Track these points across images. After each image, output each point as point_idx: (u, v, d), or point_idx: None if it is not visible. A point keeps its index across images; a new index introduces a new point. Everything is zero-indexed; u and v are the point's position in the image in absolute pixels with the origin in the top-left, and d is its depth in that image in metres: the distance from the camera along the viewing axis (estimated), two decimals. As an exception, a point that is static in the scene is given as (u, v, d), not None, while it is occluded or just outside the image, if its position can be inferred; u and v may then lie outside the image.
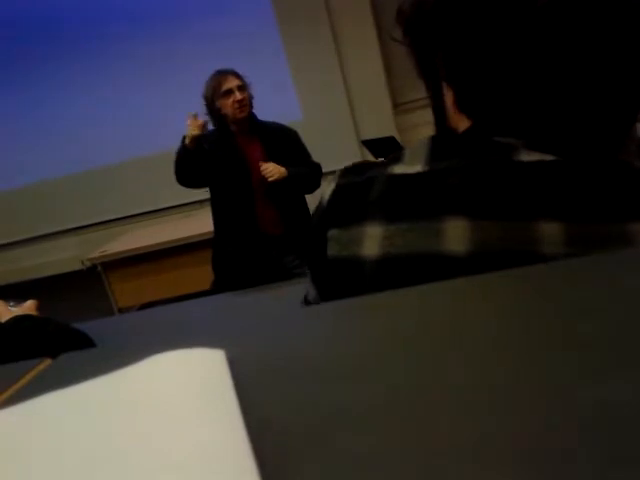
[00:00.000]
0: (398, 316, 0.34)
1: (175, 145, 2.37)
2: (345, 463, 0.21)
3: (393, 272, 0.48)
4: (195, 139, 2.29)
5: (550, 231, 0.43)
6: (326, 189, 0.57)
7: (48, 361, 0.41)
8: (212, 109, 2.37)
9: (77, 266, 3.70)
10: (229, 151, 2.37)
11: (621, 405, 0.21)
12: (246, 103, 2.35)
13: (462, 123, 0.51)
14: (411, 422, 0.22)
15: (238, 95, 2.31)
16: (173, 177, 2.41)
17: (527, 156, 0.45)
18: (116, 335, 1.03)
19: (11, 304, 0.96)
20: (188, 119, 2.30)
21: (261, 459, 0.22)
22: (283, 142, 2.40)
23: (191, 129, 2.29)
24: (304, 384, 0.28)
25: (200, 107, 2.37)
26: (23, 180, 4.18)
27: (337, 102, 3.82)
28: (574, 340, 0.26)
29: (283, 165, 2.32)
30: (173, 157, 2.39)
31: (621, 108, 0.47)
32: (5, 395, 0.35)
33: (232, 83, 2.33)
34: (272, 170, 2.29)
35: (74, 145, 4.11)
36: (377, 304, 0.38)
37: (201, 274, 2.91)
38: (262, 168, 2.31)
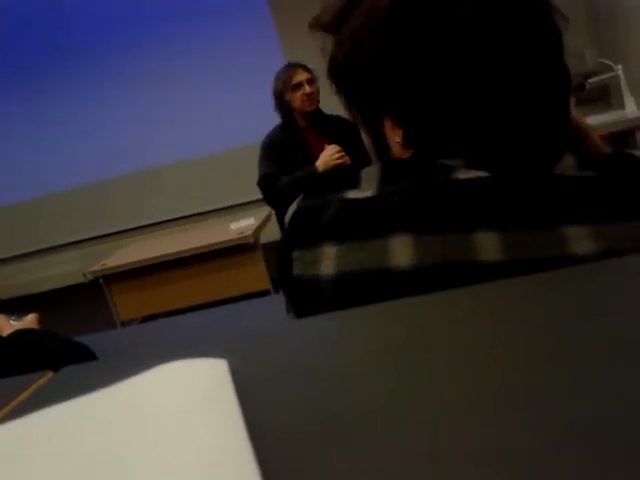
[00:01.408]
0: (391, 326, 0.35)
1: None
2: (344, 465, 0.21)
3: (348, 289, 0.51)
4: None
5: (487, 240, 0.46)
6: (289, 211, 0.60)
7: (49, 374, 0.41)
8: (281, 102, 2.39)
9: (79, 279, 3.69)
10: (298, 148, 2.39)
11: (617, 407, 0.21)
12: (315, 96, 2.38)
13: (406, 155, 0.54)
14: (406, 425, 0.23)
15: (308, 88, 2.35)
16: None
17: (464, 174, 0.49)
18: (118, 348, 1.03)
19: (13, 318, 0.96)
20: (331, 150, 2.30)
21: (263, 463, 0.22)
22: (348, 135, 2.39)
23: (333, 160, 2.28)
24: (304, 391, 0.28)
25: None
26: (24, 194, 4.19)
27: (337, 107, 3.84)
28: (562, 345, 0.27)
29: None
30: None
31: (551, 130, 0.51)
32: (7, 409, 0.35)
33: (302, 76, 2.37)
34: (340, 153, 2.29)
35: (75, 158, 4.13)
36: (372, 315, 0.39)
37: (203, 286, 2.91)
38: (329, 148, 2.30)
